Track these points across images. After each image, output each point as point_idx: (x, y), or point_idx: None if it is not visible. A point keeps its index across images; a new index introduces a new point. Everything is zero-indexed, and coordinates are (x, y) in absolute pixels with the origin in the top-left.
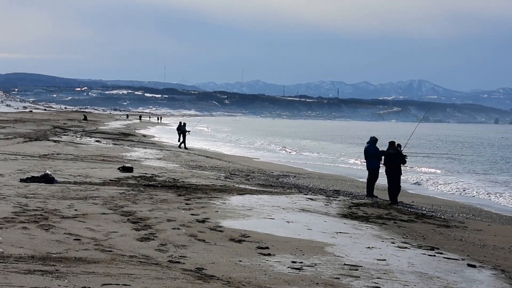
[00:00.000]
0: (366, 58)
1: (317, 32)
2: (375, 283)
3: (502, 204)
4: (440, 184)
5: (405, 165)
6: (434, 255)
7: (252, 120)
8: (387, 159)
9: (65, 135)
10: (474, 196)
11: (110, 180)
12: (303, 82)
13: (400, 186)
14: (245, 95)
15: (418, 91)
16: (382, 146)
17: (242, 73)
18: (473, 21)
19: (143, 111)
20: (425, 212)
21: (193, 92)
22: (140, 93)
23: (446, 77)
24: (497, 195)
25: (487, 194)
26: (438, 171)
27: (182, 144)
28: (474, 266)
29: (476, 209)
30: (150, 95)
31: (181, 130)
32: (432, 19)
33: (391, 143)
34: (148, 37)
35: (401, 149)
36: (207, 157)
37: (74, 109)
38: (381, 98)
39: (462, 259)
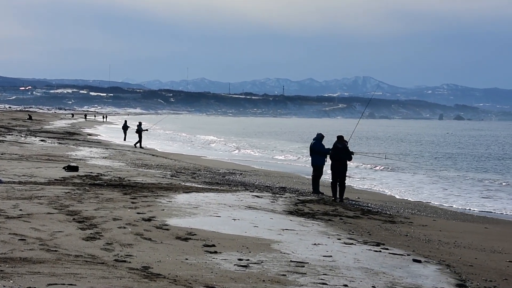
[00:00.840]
0: (311, 55)
1: (262, 29)
2: (321, 279)
3: (446, 200)
4: (386, 181)
5: (350, 161)
6: (380, 251)
7: (198, 118)
8: (334, 153)
9: (9, 134)
10: (420, 194)
11: (56, 180)
12: (249, 79)
13: (344, 183)
14: (190, 93)
15: (363, 87)
16: (329, 143)
17: (187, 71)
18: (417, 17)
19: (88, 110)
20: (371, 208)
21: (138, 90)
22: (85, 92)
23: (391, 73)
24: (441, 190)
25: (432, 190)
26: (384, 167)
27: (138, 144)
28: (419, 261)
29: (421, 204)
30: (95, 94)
31: (138, 129)
32: (376, 16)
33: (339, 137)
34: (92, 36)
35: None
36: (153, 155)
37: (18, 109)
38: (326, 95)
39: (408, 255)
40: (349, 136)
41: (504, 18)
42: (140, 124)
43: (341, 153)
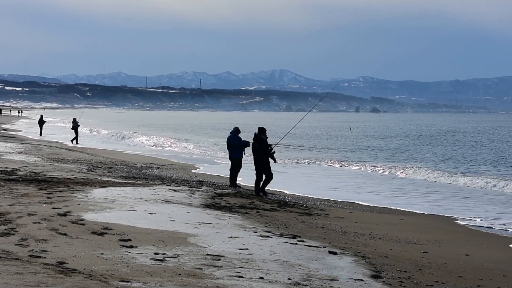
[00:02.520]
0: (229, 49)
1: (179, 22)
2: (238, 272)
3: (361, 193)
4: (305, 174)
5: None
6: (296, 243)
7: (115, 112)
8: (256, 145)
9: None
10: (337, 188)
11: None
12: (166, 73)
13: (271, 174)
14: (107, 87)
15: (280, 80)
16: (248, 137)
17: (103, 65)
18: (333, 11)
19: (3, 104)
20: (287, 201)
21: (54, 84)
22: (0, 87)
23: (308, 66)
24: (357, 183)
25: (347, 182)
26: (301, 161)
27: (75, 140)
28: (335, 253)
29: (338, 196)
30: (10, 88)
31: (74, 126)
32: (292, 9)
33: (261, 129)
34: (6, 28)
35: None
36: (69, 150)
37: None
38: (243, 88)
39: (324, 246)
40: (285, 135)
41: (419, 12)
42: (75, 120)
43: (265, 146)
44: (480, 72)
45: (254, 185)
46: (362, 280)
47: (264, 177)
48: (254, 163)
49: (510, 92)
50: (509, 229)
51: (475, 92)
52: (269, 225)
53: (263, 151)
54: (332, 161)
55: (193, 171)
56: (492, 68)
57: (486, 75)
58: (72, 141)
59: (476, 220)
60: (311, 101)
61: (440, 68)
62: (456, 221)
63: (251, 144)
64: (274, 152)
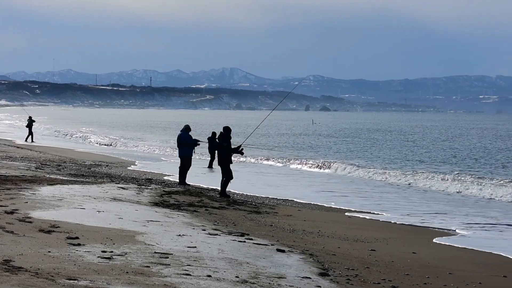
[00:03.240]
0: (179, 46)
1: (129, 19)
2: (185, 270)
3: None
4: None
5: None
6: (244, 241)
7: (64, 109)
8: (225, 144)
9: None
10: (286, 186)
11: None
12: (116, 70)
13: (231, 175)
14: (56, 84)
15: (231, 79)
16: (197, 134)
17: (53, 62)
18: (284, 10)
19: None
20: (236, 199)
21: (2, 82)
22: None
23: (258, 65)
24: (305, 182)
25: (297, 181)
26: (252, 160)
27: (30, 138)
28: (283, 251)
29: (287, 194)
30: None
31: (29, 124)
32: (244, 7)
33: (227, 128)
34: None
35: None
36: (18, 147)
37: None
38: (194, 86)
39: (272, 244)
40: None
41: (370, 12)
42: (30, 118)
43: (225, 146)
44: (430, 72)
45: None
46: (309, 278)
47: (224, 178)
48: (219, 163)
49: (459, 91)
50: (452, 227)
51: (425, 91)
52: (218, 223)
53: (229, 151)
54: (283, 160)
55: (129, 168)
56: (441, 67)
57: (435, 74)
58: (26, 139)
59: (421, 217)
60: (261, 99)
61: (390, 67)
62: (403, 219)
63: (218, 142)
64: (242, 149)
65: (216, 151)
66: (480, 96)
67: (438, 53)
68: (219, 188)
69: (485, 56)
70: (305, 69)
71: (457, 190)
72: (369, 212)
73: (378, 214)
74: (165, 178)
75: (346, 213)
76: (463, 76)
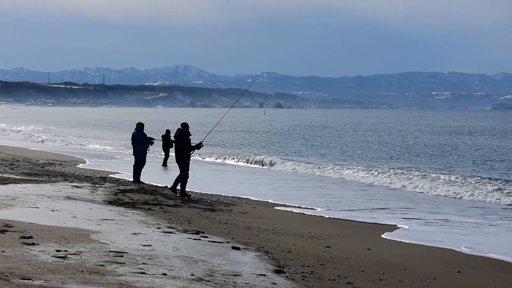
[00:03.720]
0: (132, 44)
1: (82, 17)
2: (140, 268)
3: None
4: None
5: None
6: (200, 239)
7: (17, 108)
8: (188, 140)
9: None
10: (242, 183)
11: None
12: (69, 68)
13: (187, 174)
14: (9, 83)
15: (184, 76)
16: (152, 133)
17: (5, 60)
18: (239, 7)
19: None
20: (191, 197)
21: None
22: None
23: (212, 62)
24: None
25: (254, 179)
26: (207, 158)
27: None
28: (238, 249)
29: (241, 192)
30: None
31: None
32: (197, 4)
33: (185, 124)
34: None
35: (171, 135)
36: None
37: None
38: (147, 84)
39: (227, 242)
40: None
41: (323, 9)
42: None
43: (185, 142)
44: (383, 68)
45: (177, 182)
46: (265, 275)
47: (180, 176)
48: (177, 160)
49: (412, 88)
50: (392, 223)
51: (378, 88)
52: (173, 221)
53: (187, 148)
54: (238, 158)
55: (82, 166)
56: (394, 64)
57: (388, 71)
58: None
59: (365, 213)
60: (215, 97)
61: (343, 65)
62: (358, 216)
63: (178, 139)
64: (203, 145)
65: (170, 149)
66: (433, 93)
67: (391, 50)
68: (172, 185)
69: (437, 53)
70: (258, 66)
71: (386, 185)
72: (309, 208)
73: (329, 210)
74: (119, 176)
75: (292, 210)
76: (416, 73)
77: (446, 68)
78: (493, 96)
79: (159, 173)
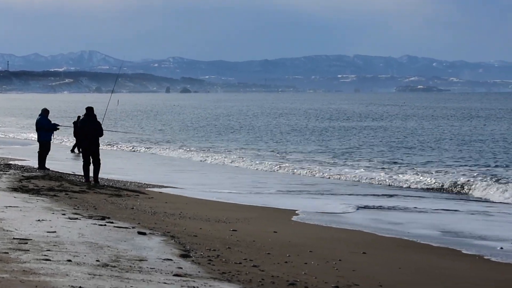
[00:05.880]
0: (36, 29)
1: None
2: (45, 255)
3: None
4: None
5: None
6: (105, 225)
7: None
8: (84, 127)
9: None
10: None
11: None
12: None
13: (99, 160)
14: None
15: (90, 62)
16: (59, 118)
17: None
18: None
19: None
20: (98, 183)
21: None
22: None
23: (118, 47)
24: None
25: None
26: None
27: None
28: (144, 234)
29: (147, 178)
30: None
31: None
32: None
33: (90, 108)
34: None
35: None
36: None
37: None
38: (52, 70)
39: (133, 227)
40: (103, 115)
41: None
42: None
43: (95, 127)
44: (289, 52)
45: (83, 171)
46: (171, 259)
47: (93, 164)
48: (84, 146)
49: (318, 71)
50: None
51: (284, 72)
52: (78, 207)
53: (96, 132)
54: (143, 144)
55: None
56: (300, 48)
57: (294, 54)
58: None
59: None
60: (121, 82)
61: (249, 49)
62: (265, 200)
63: (87, 123)
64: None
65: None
66: (339, 76)
67: (296, 33)
68: (84, 175)
69: (343, 36)
70: (164, 51)
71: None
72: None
73: (234, 193)
74: (24, 163)
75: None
76: (322, 56)
77: (351, 51)
78: (397, 79)
79: (66, 159)
